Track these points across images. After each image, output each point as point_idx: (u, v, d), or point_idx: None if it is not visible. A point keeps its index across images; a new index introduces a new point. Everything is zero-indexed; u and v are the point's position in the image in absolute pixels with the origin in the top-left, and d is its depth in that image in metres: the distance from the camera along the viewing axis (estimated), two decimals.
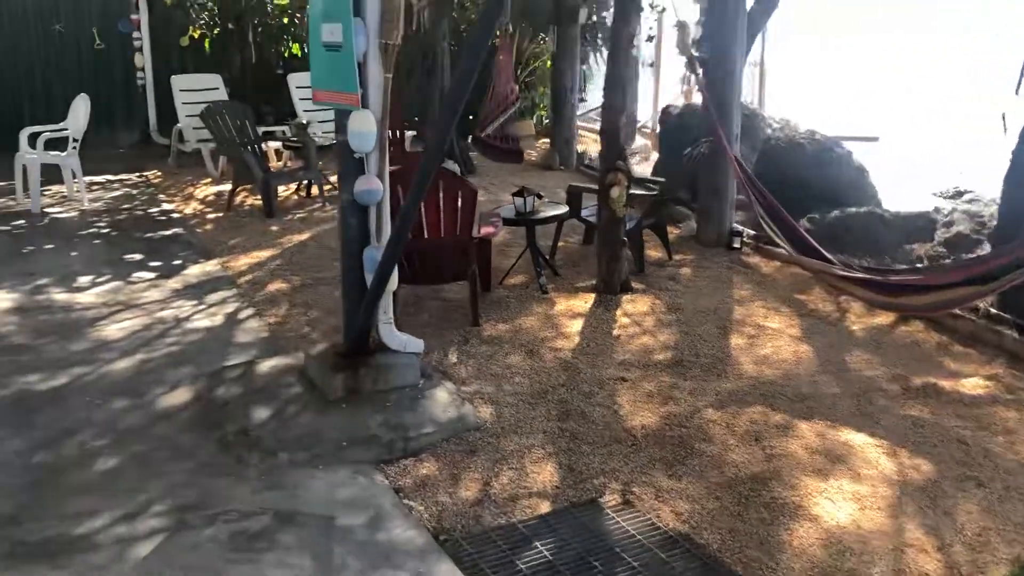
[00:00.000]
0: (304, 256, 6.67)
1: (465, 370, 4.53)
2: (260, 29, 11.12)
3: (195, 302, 5.67)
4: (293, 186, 8.91)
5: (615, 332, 5.05)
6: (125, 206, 8.46)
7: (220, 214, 8.06)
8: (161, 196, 8.93)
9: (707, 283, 5.94)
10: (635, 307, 5.44)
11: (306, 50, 11.48)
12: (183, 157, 10.62)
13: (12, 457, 3.68)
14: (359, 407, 4.04)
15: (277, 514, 3.29)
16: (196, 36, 11.16)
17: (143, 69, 11.33)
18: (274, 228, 7.50)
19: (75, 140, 8.33)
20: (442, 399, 4.16)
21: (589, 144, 12.23)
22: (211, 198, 8.80)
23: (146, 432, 3.91)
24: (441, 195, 4.98)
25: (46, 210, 8.16)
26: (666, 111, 10.29)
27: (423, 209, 5.05)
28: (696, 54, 5.54)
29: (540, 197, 5.76)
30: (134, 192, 9.15)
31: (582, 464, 3.66)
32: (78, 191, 8.59)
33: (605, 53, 12.47)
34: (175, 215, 8.11)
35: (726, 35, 6.17)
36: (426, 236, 5.08)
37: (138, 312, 5.46)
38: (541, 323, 5.19)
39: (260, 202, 8.26)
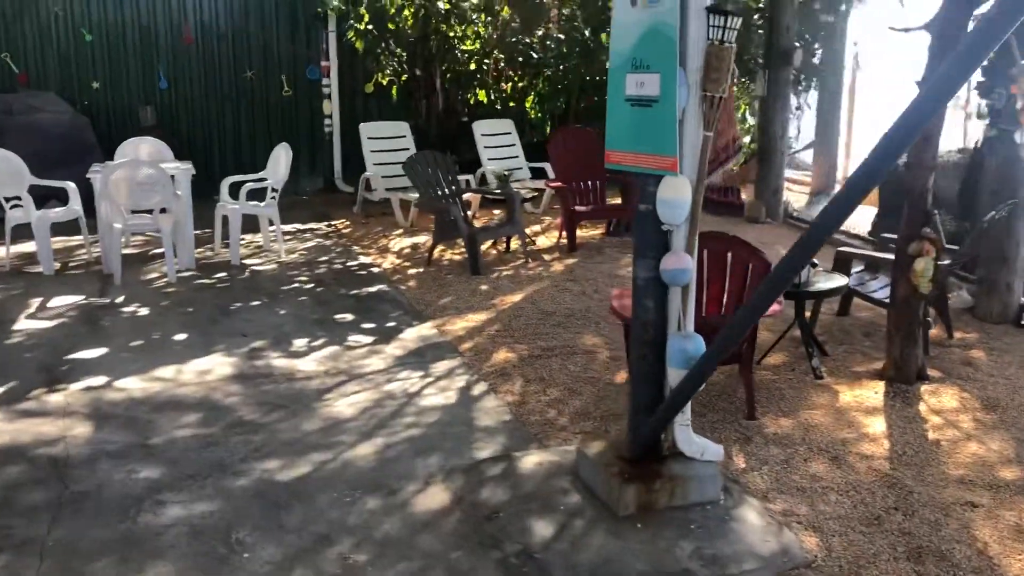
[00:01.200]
0: (523, 321, 6.11)
1: (762, 480, 3.80)
2: (448, 75, 10.86)
3: (421, 373, 5.18)
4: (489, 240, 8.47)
5: (930, 435, 4.20)
6: (322, 258, 8.19)
7: (421, 269, 7.65)
8: (355, 248, 8.64)
9: (1015, 371, 5.00)
10: (940, 401, 4.58)
11: (492, 97, 11.15)
12: (370, 206, 10.41)
13: (269, 570, 3.18)
14: (658, 529, 3.36)
15: None
16: (384, 83, 11.01)
17: (330, 116, 11.28)
18: (483, 287, 7.00)
19: (274, 190, 8.15)
20: (754, 522, 3.44)
21: (789, 194, 11.36)
22: (407, 251, 8.44)
23: (410, 544, 3.35)
24: (729, 264, 4.31)
25: (244, 261, 7.97)
26: None
27: (704, 279, 4.38)
28: None
29: (815, 266, 5.00)
30: (327, 243, 8.91)
31: None
32: (274, 241, 8.40)
33: (813, 97, 11.66)
34: (375, 269, 7.75)
35: None
36: (703, 312, 4.39)
37: (364, 384, 5.00)
38: (832, 419, 4.40)
39: (461, 257, 7.84)
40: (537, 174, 11.08)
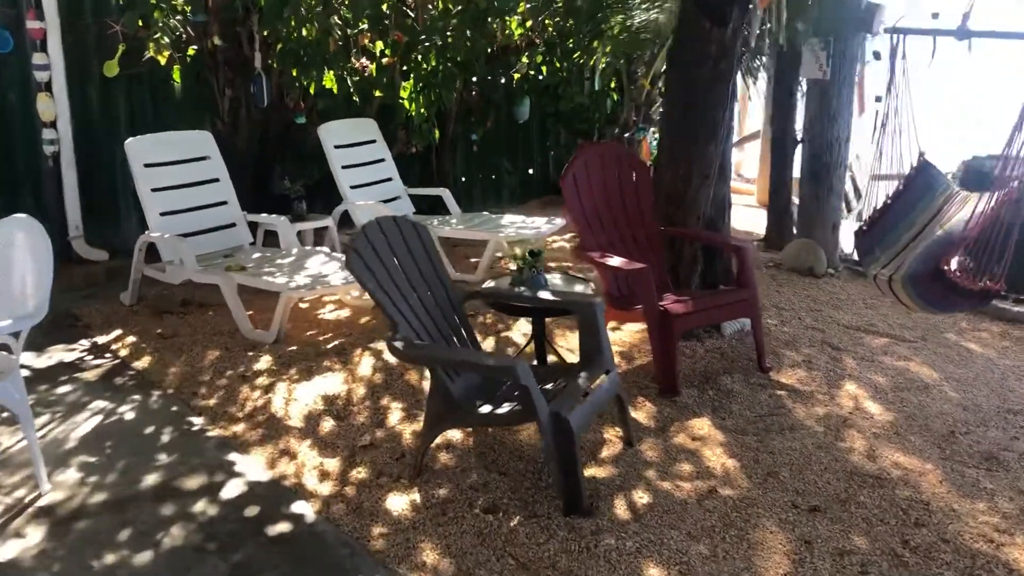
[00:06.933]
0: None
1: None
2: (277, 48, 6.23)
3: None
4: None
5: None
6: (148, 476, 3.53)
7: (415, 495, 3.33)
8: (199, 419, 4.01)
9: None
10: None
11: (349, 83, 6.76)
12: (150, 291, 5.70)
13: None
14: None
15: None
16: (162, 60, 6.15)
17: (54, 124, 6.13)
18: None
19: (12, 336, 3.37)
20: None
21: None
22: (328, 422, 4.00)
23: None
24: None
25: None
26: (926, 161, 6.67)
27: None
28: None
29: None
30: (123, 410, 4.16)
31: None
32: (18, 447, 3.61)
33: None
34: (306, 512, 3.29)
35: None
36: None
37: None
38: None
39: (473, 442, 3.67)
40: (420, 206, 6.96)
